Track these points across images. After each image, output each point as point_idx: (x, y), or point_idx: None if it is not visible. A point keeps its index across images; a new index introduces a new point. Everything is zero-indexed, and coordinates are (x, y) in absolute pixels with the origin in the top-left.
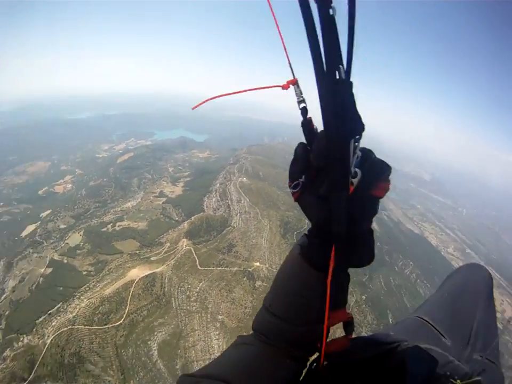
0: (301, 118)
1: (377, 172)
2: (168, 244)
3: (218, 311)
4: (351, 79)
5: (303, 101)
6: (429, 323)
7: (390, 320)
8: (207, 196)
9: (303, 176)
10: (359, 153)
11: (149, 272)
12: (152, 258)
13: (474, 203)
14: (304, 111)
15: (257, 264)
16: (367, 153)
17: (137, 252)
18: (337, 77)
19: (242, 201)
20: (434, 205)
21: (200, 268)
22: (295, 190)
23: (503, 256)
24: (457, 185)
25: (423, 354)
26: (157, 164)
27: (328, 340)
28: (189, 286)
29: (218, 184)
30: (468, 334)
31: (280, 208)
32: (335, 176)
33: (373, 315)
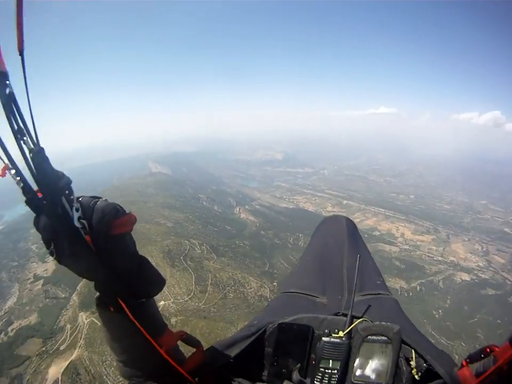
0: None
1: (99, 215)
2: (68, 326)
3: None
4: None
5: (20, 180)
6: (297, 292)
7: None
8: None
9: (52, 244)
10: (77, 205)
11: (67, 362)
12: (61, 348)
13: (330, 161)
14: (24, 190)
15: (163, 303)
16: (87, 202)
17: (44, 348)
18: (30, 148)
19: None
20: (297, 178)
21: None
22: (53, 258)
23: (376, 193)
24: (310, 153)
25: (288, 327)
26: (18, 246)
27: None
28: (112, 357)
29: None
30: (341, 283)
31: (156, 240)
32: (64, 238)
33: None
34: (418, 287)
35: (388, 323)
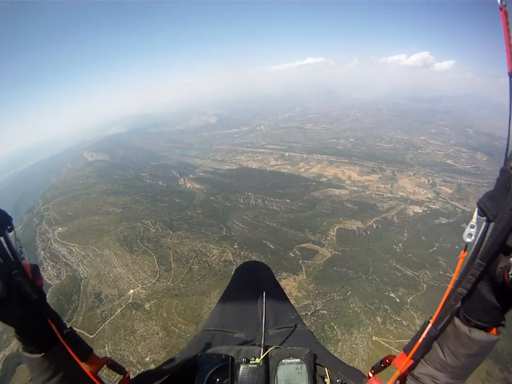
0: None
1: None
2: None
3: (145, 353)
4: None
5: None
6: (216, 330)
7: (272, 246)
8: (41, 269)
9: None
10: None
11: None
12: None
13: (265, 117)
14: None
15: (132, 291)
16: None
17: None
18: None
19: (73, 250)
20: (235, 138)
21: (92, 336)
22: None
23: (316, 140)
24: (244, 112)
25: (208, 359)
26: None
27: None
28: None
29: (42, 252)
30: (256, 320)
31: (109, 230)
32: (6, 261)
33: (255, 254)
34: (374, 225)
35: (299, 347)
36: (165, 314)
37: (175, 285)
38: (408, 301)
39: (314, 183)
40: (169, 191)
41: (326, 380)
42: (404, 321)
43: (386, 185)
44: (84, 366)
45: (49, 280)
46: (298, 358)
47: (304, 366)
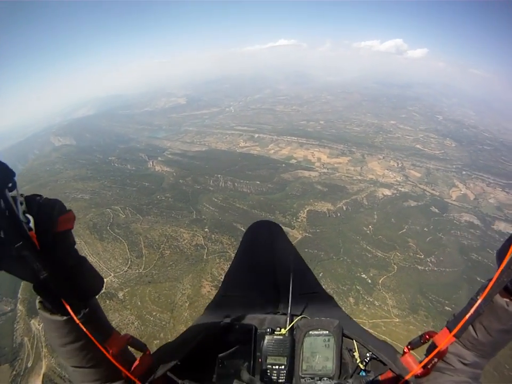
0: None
1: (48, 211)
2: (26, 339)
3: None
4: None
5: None
6: (234, 295)
7: (242, 228)
8: None
9: None
10: (21, 198)
11: (40, 378)
12: (29, 365)
13: (235, 98)
14: None
15: (105, 280)
16: (32, 197)
17: (14, 372)
18: None
19: None
20: (204, 119)
21: None
22: None
23: (286, 122)
24: (213, 93)
25: (230, 328)
26: None
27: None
28: None
29: None
30: (275, 284)
31: (78, 217)
32: (7, 232)
33: (226, 237)
34: (344, 207)
35: (327, 318)
36: (139, 303)
37: (147, 271)
38: (380, 281)
39: (284, 165)
40: (138, 174)
41: (354, 353)
42: (376, 302)
43: (356, 167)
44: (104, 347)
45: None
46: (327, 330)
47: (332, 338)
